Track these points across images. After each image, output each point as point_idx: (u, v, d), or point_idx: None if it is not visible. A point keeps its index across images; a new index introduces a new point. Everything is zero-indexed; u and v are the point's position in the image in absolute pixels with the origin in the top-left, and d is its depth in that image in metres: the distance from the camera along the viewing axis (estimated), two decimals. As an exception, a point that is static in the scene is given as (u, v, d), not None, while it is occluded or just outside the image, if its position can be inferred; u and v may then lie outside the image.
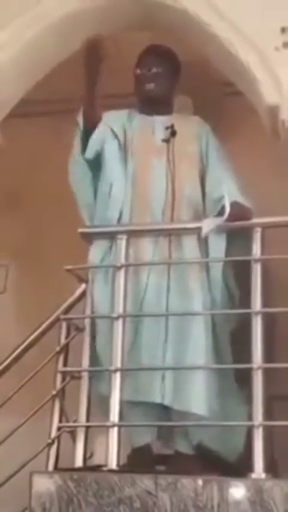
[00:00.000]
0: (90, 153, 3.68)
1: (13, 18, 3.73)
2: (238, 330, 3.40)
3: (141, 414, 3.40)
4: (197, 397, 3.33)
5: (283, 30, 3.47)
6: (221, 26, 3.53)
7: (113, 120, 3.76)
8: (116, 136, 3.74)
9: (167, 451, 3.50)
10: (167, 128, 3.70)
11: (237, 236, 3.51)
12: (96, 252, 3.60)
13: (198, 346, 3.40)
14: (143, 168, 3.70)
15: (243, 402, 3.33)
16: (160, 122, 3.77)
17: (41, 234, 4.54)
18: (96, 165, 3.72)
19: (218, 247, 3.53)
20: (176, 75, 3.89)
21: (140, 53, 3.88)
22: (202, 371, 3.37)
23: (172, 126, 3.68)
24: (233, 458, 3.40)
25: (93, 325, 3.51)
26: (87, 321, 3.51)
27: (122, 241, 3.48)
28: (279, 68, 3.43)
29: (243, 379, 3.27)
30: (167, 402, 3.36)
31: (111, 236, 3.56)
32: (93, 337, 3.49)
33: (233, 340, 3.49)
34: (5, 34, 3.73)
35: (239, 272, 3.46)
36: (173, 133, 3.67)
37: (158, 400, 3.36)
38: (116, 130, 3.74)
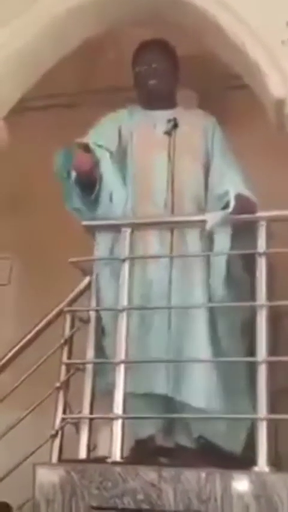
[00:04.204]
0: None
1: (12, 16, 3.72)
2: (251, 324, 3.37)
3: (145, 406, 3.40)
4: (196, 390, 3.34)
5: (289, 24, 3.47)
6: (228, 20, 3.53)
7: (99, 135, 3.72)
8: (105, 148, 3.69)
9: (169, 443, 3.50)
10: (169, 121, 3.69)
11: (243, 233, 3.50)
12: (102, 247, 3.60)
13: (198, 339, 3.40)
14: (144, 161, 3.70)
15: (251, 399, 3.29)
16: (162, 115, 3.76)
17: (45, 227, 4.53)
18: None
19: (222, 242, 3.52)
20: (176, 67, 3.88)
21: (136, 49, 3.87)
22: (202, 364, 3.37)
23: (174, 119, 3.67)
24: (234, 452, 3.39)
25: (98, 318, 3.51)
26: (92, 313, 3.51)
27: (126, 234, 3.48)
28: (285, 61, 3.42)
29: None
30: (170, 394, 3.36)
31: (116, 230, 3.55)
32: (97, 331, 3.50)
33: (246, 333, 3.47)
34: (4, 32, 3.72)
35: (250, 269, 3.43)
36: (175, 126, 3.66)
37: (162, 391, 3.36)
38: (104, 143, 3.70)
